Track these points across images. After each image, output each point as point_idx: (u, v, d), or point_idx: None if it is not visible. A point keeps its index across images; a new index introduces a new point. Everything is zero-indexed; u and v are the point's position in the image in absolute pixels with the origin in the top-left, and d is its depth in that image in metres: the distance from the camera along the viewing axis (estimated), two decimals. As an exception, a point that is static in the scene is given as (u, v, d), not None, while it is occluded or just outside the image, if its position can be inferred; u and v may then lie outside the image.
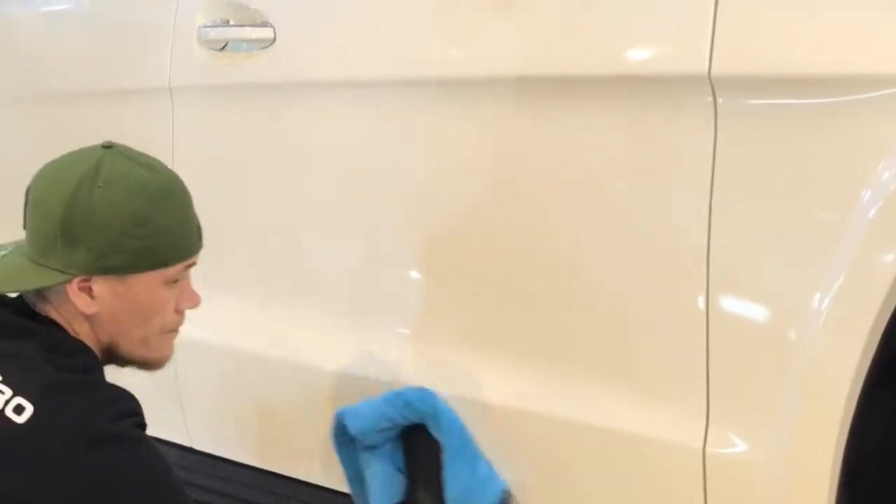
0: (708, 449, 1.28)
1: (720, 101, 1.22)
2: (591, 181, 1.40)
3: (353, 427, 1.54)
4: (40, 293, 1.33)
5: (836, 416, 1.15)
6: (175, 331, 1.40)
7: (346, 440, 1.58)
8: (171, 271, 1.33)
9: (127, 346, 1.37)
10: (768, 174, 1.22)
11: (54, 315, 1.33)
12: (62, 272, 1.29)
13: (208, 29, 1.83)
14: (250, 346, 1.81)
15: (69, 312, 1.33)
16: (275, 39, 1.74)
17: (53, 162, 1.35)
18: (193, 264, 1.37)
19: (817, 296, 1.16)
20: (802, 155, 1.18)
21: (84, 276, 1.29)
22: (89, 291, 1.30)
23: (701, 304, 1.26)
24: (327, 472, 1.68)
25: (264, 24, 1.76)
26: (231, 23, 1.83)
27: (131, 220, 1.29)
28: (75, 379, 1.28)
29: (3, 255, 1.36)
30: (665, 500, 1.36)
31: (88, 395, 1.26)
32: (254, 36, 1.77)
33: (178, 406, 1.84)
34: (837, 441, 1.15)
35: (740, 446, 1.26)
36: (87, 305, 1.30)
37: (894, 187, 1.10)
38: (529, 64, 1.43)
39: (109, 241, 1.29)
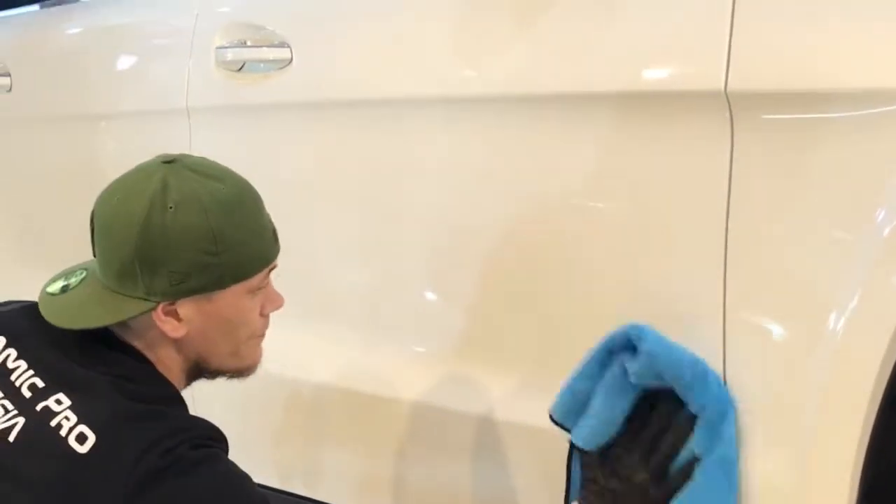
0: None
1: (736, 116, 1.22)
2: (609, 196, 1.40)
3: (647, 352, 1.29)
4: (120, 325, 1.30)
5: (854, 435, 1.14)
6: (263, 335, 1.39)
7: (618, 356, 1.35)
8: (255, 281, 1.31)
9: (217, 361, 1.35)
10: (784, 190, 1.21)
11: (136, 342, 1.30)
12: (145, 300, 1.26)
13: (226, 50, 1.84)
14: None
15: (154, 338, 1.30)
16: (291, 60, 1.76)
17: (116, 184, 1.31)
18: (274, 267, 1.34)
19: (833, 315, 1.15)
20: (818, 171, 1.18)
21: (169, 301, 1.26)
22: (175, 315, 1.27)
23: (718, 320, 1.26)
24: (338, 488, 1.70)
25: (282, 45, 1.77)
26: (248, 44, 1.84)
27: (209, 237, 1.26)
28: (140, 409, 1.25)
29: (81, 280, 1.33)
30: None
31: (151, 427, 1.23)
32: (271, 56, 1.79)
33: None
34: (855, 460, 1.14)
35: (758, 462, 1.24)
36: (175, 329, 1.28)
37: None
38: (549, 82, 1.43)
39: (190, 263, 1.26)
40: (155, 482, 1.19)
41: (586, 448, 1.32)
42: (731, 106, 1.21)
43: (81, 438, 1.20)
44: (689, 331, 1.29)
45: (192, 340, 1.30)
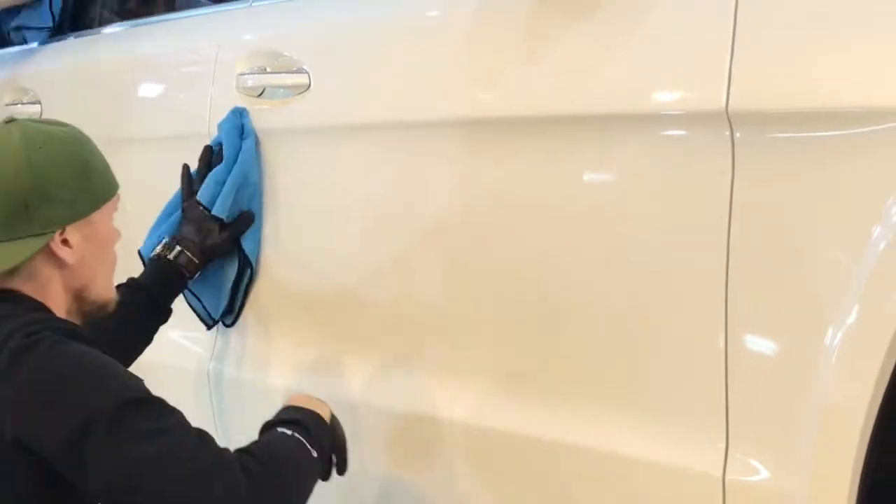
0: (728, 476, 1.26)
1: (737, 135, 1.21)
2: (614, 215, 1.40)
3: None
4: (9, 273, 1.38)
5: (852, 445, 1.13)
6: (114, 268, 1.51)
7: None
8: (114, 202, 1.45)
9: (94, 290, 1.45)
10: (784, 208, 1.20)
11: (23, 288, 1.39)
12: (41, 234, 1.36)
13: (246, 76, 1.86)
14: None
15: (42, 277, 1.40)
16: (310, 85, 1.77)
17: None
18: (119, 196, 1.48)
19: (830, 330, 1.15)
20: (816, 189, 1.18)
21: (61, 229, 1.36)
22: (67, 243, 1.38)
23: (720, 335, 1.26)
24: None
25: (300, 71, 1.78)
26: (268, 70, 1.86)
27: (79, 164, 1.40)
28: (3, 316, 1.34)
29: None
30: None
31: (11, 322, 1.32)
32: (289, 82, 1.81)
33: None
34: (854, 470, 1.13)
35: (760, 474, 1.23)
36: (69, 255, 1.38)
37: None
38: (555, 103, 1.44)
39: (73, 189, 1.38)
40: (19, 358, 1.28)
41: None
42: (732, 125, 1.21)
43: None
44: (690, 346, 1.30)
45: (77, 269, 1.40)
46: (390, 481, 1.73)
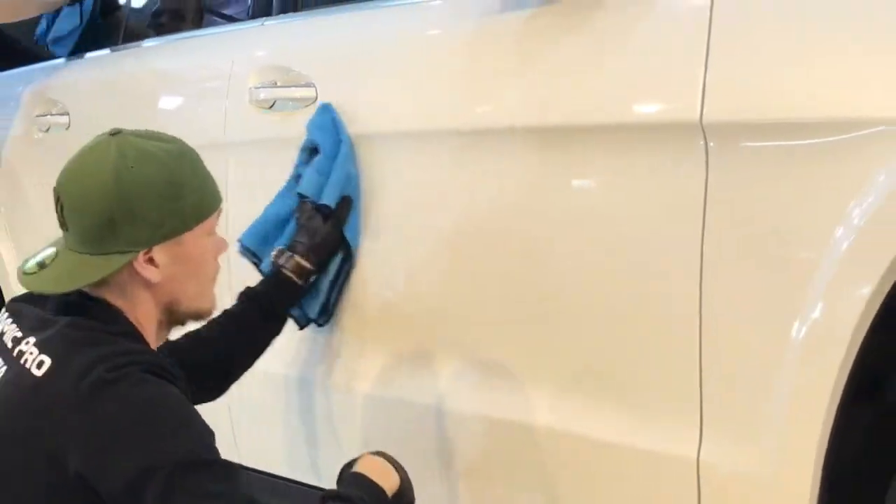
0: (702, 459, 1.27)
1: (711, 145, 1.24)
2: (598, 218, 1.41)
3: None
4: (98, 284, 1.35)
5: (816, 429, 1.16)
6: (215, 279, 1.45)
7: None
8: (210, 221, 1.39)
9: (185, 303, 1.41)
10: (754, 211, 1.23)
11: (111, 297, 1.36)
12: (125, 252, 1.32)
13: (258, 90, 1.89)
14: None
15: (131, 291, 1.36)
16: (316, 98, 1.78)
17: (75, 164, 1.38)
18: (221, 210, 1.42)
19: (796, 324, 1.17)
20: (783, 194, 1.20)
21: (146, 249, 1.32)
22: (152, 262, 1.34)
23: (695, 329, 1.28)
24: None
25: (307, 85, 1.80)
26: (278, 84, 1.87)
27: (168, 187, 1.34)
28: (93, 336, 1.31)
29: (54, 256, 1.38)
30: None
31: (100, 348, 1.29)
32: (298, 95, 1.82)
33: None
34: (818, 453, 1.16)
35: (732, 457, 1.25)
36: (154, 274, 1.34)
37: (862, 225, 1.11)
38: (543, 115, 1.45)
39: (160, 211, 1.33)
40: (100, 392, 1.24)
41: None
42: (706, 135, 1.23)
43: (40, 365, 1.27)
44: (668, 341, 1.32)
45: (166, 284, 1.36)
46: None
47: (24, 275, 1.37)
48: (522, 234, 1.49)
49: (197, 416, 1.30)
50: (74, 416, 1.22)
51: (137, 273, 1.33)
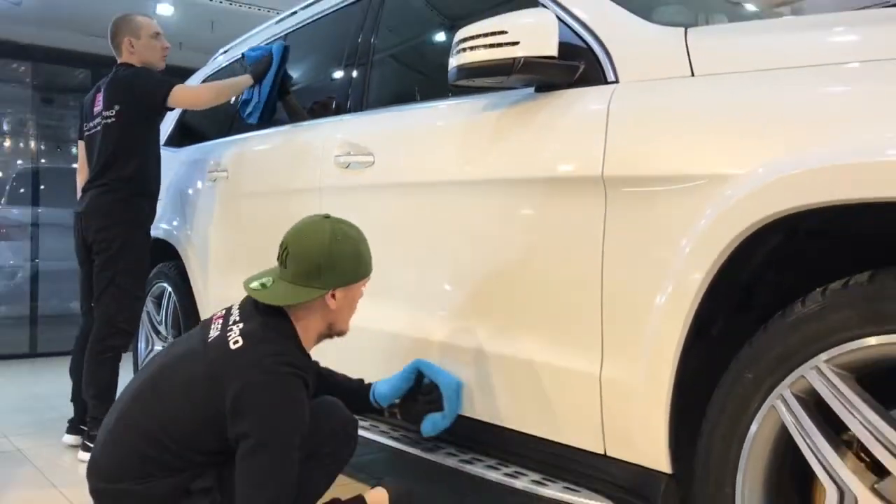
0: (602, 374, 1.50)
1: (608, 192, 1.46)
2: (539, 233, 1.65)
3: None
4: (296, 306, 1.66)
5: (670, 355, 1.38)
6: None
7: None
8: (366, 280, 1.74)
9: (339, 325, 1.75)
10: (635, 234, 1.44)
11: (299, 314, 1.66)
12: (322, 289, 1.67)
13: (339, 157, 2.26)
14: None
15: (312, 313, 1.69)
16: (374, 162, 2.14)
17: (299, 228, 1.69)
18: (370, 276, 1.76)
19: (658, 295, 1.41)
20: (652, 218, 1.40)
21: (334, 290, 1.68)
22: (333, 297, 1.69)
23: (598, 298, 1.52)
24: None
25: (368, 154, 2.17)
26: (351, 153, 2.22)
27: (355, 256, 1.70)
28: (271, 337, 1.64)
29: (273, 281, 1.68)
30: (575, 409, 1.57)
31: (270, 346, 1.61)
32: (363, 160, 2.17)
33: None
34: (672, 368, 1.38)
35: (620, 372, 1.45)
36: (333, 304, 1.68)
37: (697, 235, 1.33)
38: (507, 170, 1.72)
39: (348, 268, 1.68)
40: (259, 376, 1.51)
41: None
42: (605, 185, 1.46)
43: (236, 342, 1.62)
44: (579, 301, 1.52)
45: (336, 311, 1.71)
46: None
47: (251, 289, 1.69)
48: (495, 242, 1.77)
49: (303, 417, 1.55)
50: (239, 382, 1.55)
51: (322, 303, 1.68)
